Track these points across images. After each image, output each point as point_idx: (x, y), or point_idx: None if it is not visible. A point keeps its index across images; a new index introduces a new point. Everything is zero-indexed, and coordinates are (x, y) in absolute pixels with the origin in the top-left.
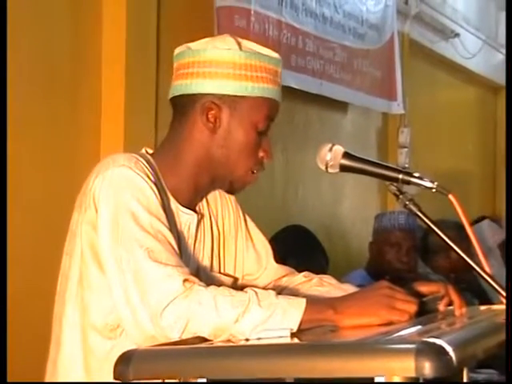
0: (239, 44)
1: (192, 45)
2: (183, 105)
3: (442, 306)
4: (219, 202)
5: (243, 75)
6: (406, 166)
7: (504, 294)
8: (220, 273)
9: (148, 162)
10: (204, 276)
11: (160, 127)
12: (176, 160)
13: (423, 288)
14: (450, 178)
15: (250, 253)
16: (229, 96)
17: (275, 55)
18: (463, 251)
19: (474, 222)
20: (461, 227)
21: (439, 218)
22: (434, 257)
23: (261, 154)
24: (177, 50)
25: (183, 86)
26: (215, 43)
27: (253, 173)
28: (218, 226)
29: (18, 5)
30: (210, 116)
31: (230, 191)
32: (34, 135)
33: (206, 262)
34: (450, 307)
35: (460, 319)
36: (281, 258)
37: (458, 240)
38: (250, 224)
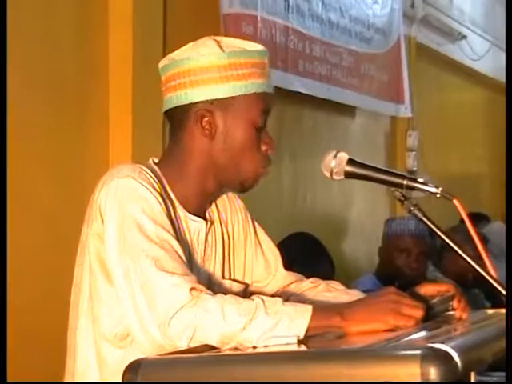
0: (220, 45)
1: (175, 55)
2: (178, 117)
3: (455, 303)
4: (228, 209)
5: (229, 76)
6: (415, 169)
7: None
8: (231, 279)
9: (153, 171)
10: (216, 283)
11: (167, 138)
12: (181, 170)
13: (431, 288)
14: (459, 180)
15: (259, 260)
16: (219, 100)
17: (259, 47)
18: (475, 254)
19: (475, 219)
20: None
21: (457, 224)
22: (446, 260)
23: (263, 147)
24: (161, 64)
25: (174, 98)
26: (198, 50)
27: (262, 168)
28: (228, 233)
29: (25, 15)
30: (204, 123)
31: (242, 190)
32: (42, 146)
33: (217, 269)
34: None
35: (467, 324)
36: (285, 265)
37: (469, 244)
38: (259, 230)
